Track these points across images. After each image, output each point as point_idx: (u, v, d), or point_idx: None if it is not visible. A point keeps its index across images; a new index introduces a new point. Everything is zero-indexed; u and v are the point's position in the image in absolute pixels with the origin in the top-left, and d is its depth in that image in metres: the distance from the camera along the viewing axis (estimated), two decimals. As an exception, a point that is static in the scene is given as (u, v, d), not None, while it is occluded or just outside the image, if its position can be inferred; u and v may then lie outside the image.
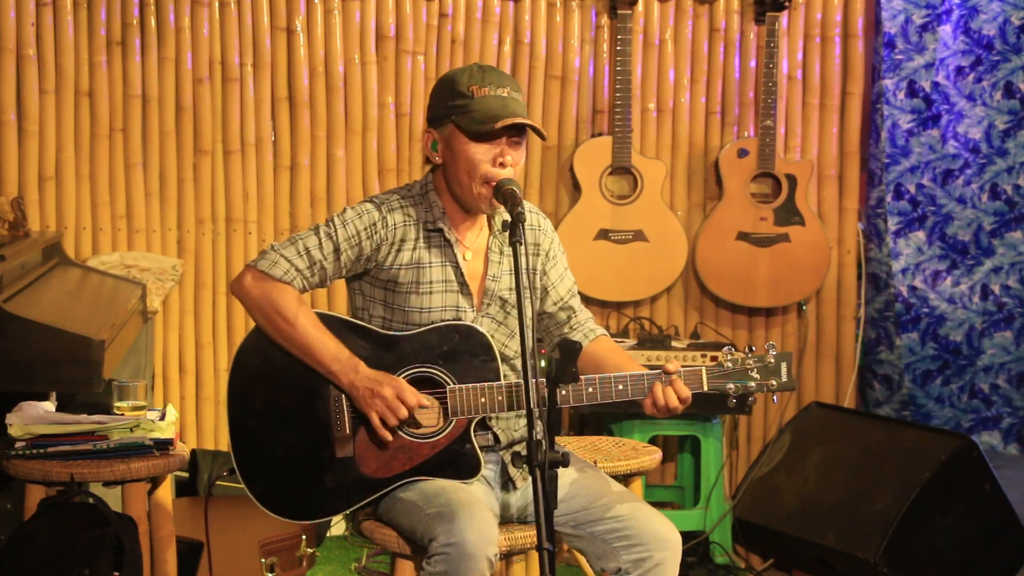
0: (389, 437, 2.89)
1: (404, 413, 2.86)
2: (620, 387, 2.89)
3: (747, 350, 2.93)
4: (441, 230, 2.98)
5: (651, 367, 2.95)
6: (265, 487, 2.94)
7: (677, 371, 2.87)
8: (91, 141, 4.82)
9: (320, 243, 2.93)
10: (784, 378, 2.92)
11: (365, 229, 2.95)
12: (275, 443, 2.93)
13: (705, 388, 2.90)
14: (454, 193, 2.98)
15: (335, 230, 2.94)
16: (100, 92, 4.80)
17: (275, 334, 2.92)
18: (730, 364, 2.91)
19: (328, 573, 4.54)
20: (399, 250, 2.96)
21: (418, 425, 2.91)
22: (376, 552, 4.61)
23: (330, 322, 2.93)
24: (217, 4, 4.85)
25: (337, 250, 2.93)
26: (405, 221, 2.97)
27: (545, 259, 3.12)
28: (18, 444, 3.31)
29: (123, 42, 4.81)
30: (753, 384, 2.91)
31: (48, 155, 4.78)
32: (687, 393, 2.88)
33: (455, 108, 2.91)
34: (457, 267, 2.99)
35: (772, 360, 2.92)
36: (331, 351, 2.89)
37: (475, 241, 3.03)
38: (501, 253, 3.04)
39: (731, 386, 2.91)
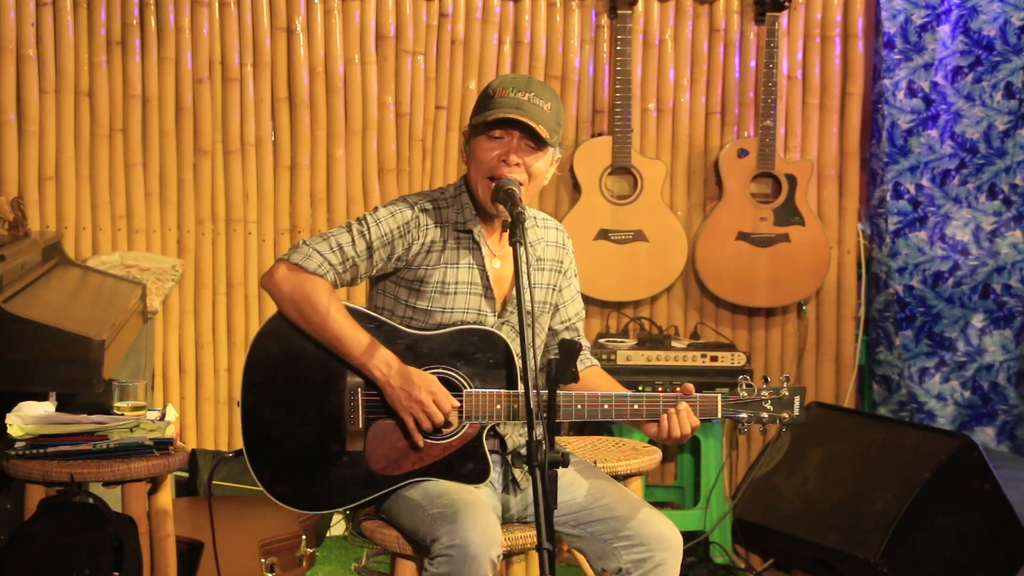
0: (421, 442, 2.89)
1: (440, 419, 2.87)
2: (635, 407, 2.92)
3: (763, 381, 2.98)
4: (471, 232, 2.99)
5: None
6: (273, 475, 2.93)
7: (693, 397, 2.92)
8: (91, 141, 4.82)
9: (353, 240, 2.93)
10: (796, 412, 2.98)
11: (398, 228, 2.95)
12: (287, 431, 2.93)
13: (719, 416, 2.95)
14: (472, 193, 2.99)
15: (368, 228, 2.94)
16: (100, 92, 4.80)
17: (306, 326, 2.91)
18: (746, 394, 2.96)
19: (328, 573, 4.54)
20: (429, 250, 2.97)
21: (449, 425, 2.92)
22: (376, 552, 4.60)
23: (353, 315, 2.93)
24: (217, 4, 4.85)
25: (370, 248, 2.93)
26: (437, 221, 2.98)
27: (563, 277, 3.14)
28: (18, 444, 3.31)
29: (123, 42, 4.81)
30: (766, 415, 2.97)
31: (48, 155, 4.78)
32: (696, 422, 2.92)
33: (477, 108, 2.96)
34: (484, 270, 2.99)
35: (786, 393, 2.98)
36: (364, 345, 2.88)
37: (502, 248, 3.03)
38: (531, 266, 3.05)
39: (744, 415, 2.96)
